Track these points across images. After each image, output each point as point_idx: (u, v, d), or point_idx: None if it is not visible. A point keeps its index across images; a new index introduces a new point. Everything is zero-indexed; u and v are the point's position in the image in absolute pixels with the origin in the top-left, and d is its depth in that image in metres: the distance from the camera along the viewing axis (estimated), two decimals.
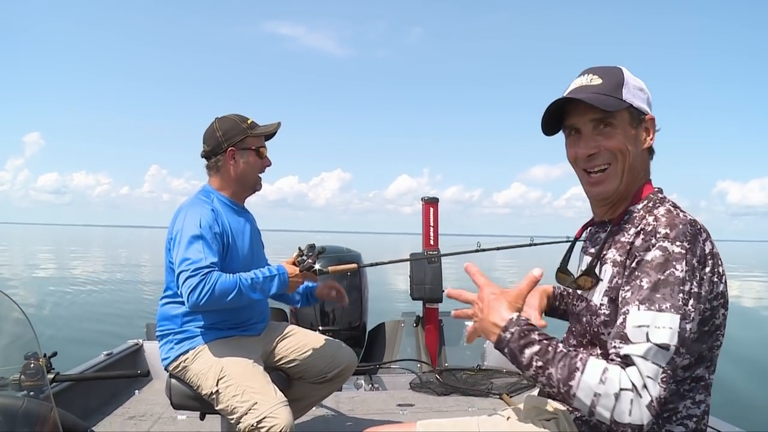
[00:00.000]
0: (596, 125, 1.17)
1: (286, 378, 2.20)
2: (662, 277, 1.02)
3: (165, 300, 2.05)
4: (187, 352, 1.98)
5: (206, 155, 2.09)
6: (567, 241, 1.42)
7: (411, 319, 4.27)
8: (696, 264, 1.05)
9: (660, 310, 1.00)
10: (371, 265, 2.96)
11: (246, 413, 1.84)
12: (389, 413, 3.01)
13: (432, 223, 4.11)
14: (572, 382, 0.99)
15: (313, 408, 2.56)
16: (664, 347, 0.98)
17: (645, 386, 0.96)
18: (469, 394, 3.34)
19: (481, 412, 1.44)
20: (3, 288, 1.50)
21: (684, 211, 1.13)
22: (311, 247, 2.07)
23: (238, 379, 1.89)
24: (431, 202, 4.14)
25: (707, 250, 1.08)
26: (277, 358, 2.19)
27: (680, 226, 1.06)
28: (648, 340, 0.99)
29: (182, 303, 1.92)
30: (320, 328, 3.70)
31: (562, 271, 1.31)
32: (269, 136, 2.15)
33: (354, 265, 2.44)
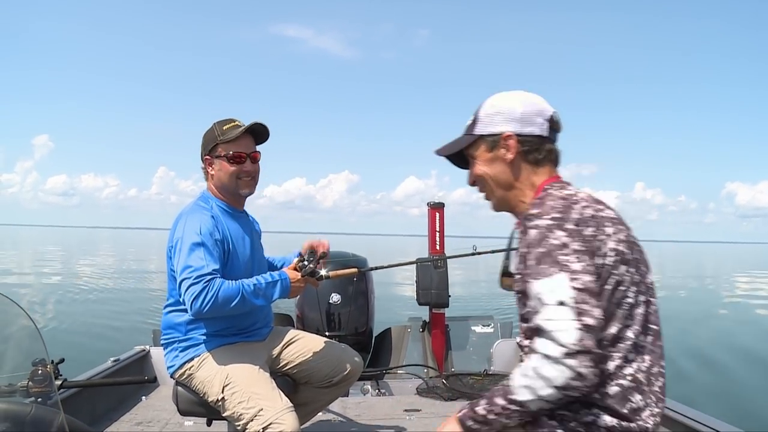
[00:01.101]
0: (471, 159, 1.39)
1: (292, 383, 2.20)
2: (543, 250, 1.14)
3: (168, 308, 2.06)
4: (192, 359, 1.99)
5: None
6: None
7: (417, 324, 4.27)
8: (573, 227, 1.16)
9: (548, 275, 1.11)
10: (372, 269, 2.96)
11: (252, 419, 1.84)
12: (396, 419, 3.01)
13: (438, 228, 4.10)
14: (511, 395, 1.12)
15: (320, 414, 2.56)
16: (559, 303, 1.08)
17: (554, 340, 1.06)
18: (476, 399, 3.33)
19: None
20: (12, 292, 1.52)
21: (568, 191, 1.26)
22: (312, 252, 2.07)
23: (243, 386, 1.90)
24: (437, 207, 4.14)
25: (588, 215, 1.19)
26: (282, 363, 2.19)
27: (548, 203, 1.21)
28: (544, 304, 1.09)
29: (185, 311, 1.92)
30: (326, 333, 3.70)
31: (505, 274, 1.46)
32: (259, 138, 2.11)
33: (354, 270, 2.44)
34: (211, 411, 2.00)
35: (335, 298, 3.82)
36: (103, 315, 10.30)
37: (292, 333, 2.26)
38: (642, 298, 1.21)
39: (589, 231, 1.16)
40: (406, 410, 3.13)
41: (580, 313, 1.06)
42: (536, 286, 1.12)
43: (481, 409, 1.19)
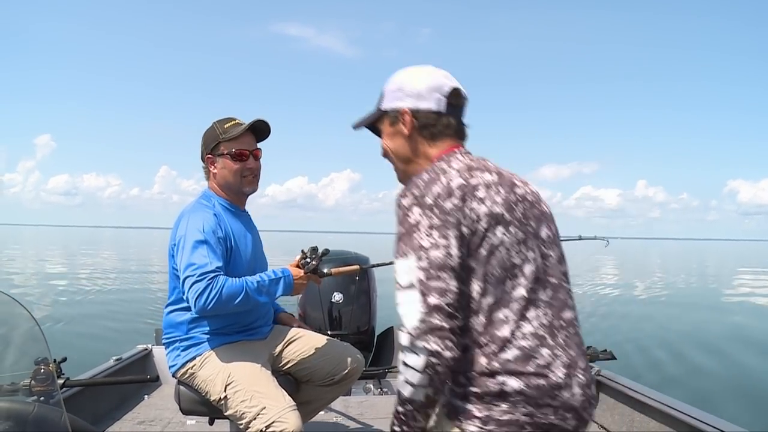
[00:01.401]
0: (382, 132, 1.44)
1: (294, 381, 2.20)
2: (403, 230, 1.18)
3: (170, 307, 2.06)
4: (194, 358, 1.99)
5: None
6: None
7: None
8: (433, 201, 1.18)
9: (403, 256, 1.15)
10: (373, 266, 2.95)
11: (254, 418, 1.84)
12: None
13: None
14: (400, 397, 1.14)
15: (322, 412, 2.56)
16: (408, 286, 1.12)
17: (405, 327, 1.10)
18: None
19: None
20: (14, 292, 1.52)
21: (443, 163, 1.27)
22: (314, 249, 2.08)
23: (245, 384, 1.89)
24: None
25: (455, 185, 1.20)
26: (284, 362, 2.19)
27: (415, 179, 1.24)
28: (397, 288, 1.14)
29: (187, 309, 1.93)
30: (329, 332, 3.70)
31: None
32: (260, 136, 2.13)
33: (356, 267, 2.43)
34: (213, 410, 2.00)
35: (337, 296, 3.81)
36: (104, 314, 10.30)
37: (294, 331, 2.26)
38: (532, 254, 1.21)
39: (451, 203, 1.17)
40: None
41: (423, 294, 1.10)
42: (395, 267, 1.17)
43: (396, 428, 1.19)
